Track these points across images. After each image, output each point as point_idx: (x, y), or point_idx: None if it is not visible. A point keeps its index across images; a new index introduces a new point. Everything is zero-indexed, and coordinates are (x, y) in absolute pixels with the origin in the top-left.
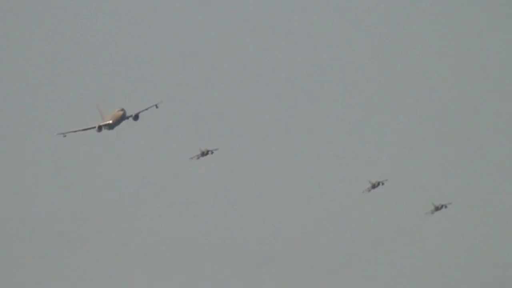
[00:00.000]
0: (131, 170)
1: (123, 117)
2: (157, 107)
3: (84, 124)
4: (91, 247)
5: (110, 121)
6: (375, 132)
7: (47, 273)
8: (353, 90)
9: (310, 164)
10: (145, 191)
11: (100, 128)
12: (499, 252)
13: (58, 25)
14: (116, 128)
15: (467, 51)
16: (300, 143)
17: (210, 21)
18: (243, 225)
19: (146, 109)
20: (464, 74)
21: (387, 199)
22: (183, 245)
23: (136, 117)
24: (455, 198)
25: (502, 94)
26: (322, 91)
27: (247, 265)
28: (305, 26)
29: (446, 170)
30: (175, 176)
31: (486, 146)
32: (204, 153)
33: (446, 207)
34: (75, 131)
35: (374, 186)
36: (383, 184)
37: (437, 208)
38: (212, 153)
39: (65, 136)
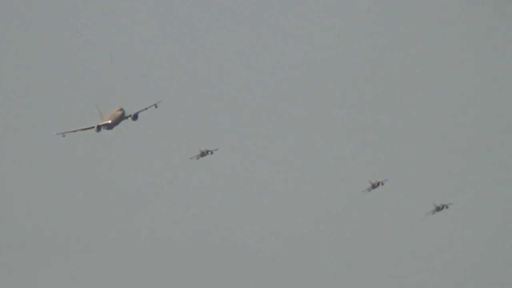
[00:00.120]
0: (130, 170)
1: (122, 117)
2: (156, 107)
3: (83, 124)
4: (90, 247)
5: (109, 121)
6: (375, 132)
7: (47, 273)
8: (353, 90)
9: (310, 164)
10: (145, 191)
11: (99, 128)
12: (501, 253)
13: (57, 25)
14: (115, 128)
15: (467, 51)
16: (300, 143)
17: (210, 21)
18: (243, 225)
19: (145, 109)
20: (465, 73)
21: (387, 199)
22: (183, 245)
23: (135, 117)
24: (456, 198)
25: (503, 93)
26: (322, 91)
27: (247, 265)
28: (305, 26)
29: (447, 170)
30: (174, 176)
31: (487, 146)
32: (203, 153)
33: (447, 207)
34: (74, 131)
35: (374, 186)
36: (382, 184)
37: (438, 209)
38: (211, 153)
39: (64, 136)
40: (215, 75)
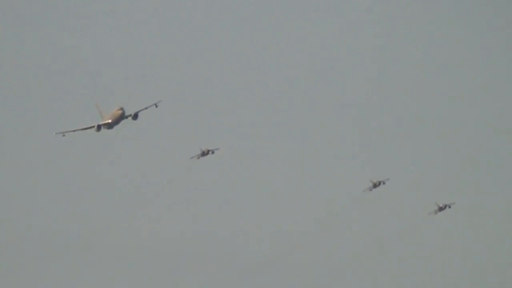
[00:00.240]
0: (130, 170)
1: (122, 116)
2: (156, 106)
3: (83, 123)
4: (90, 246)
5: (109, 120)
6: (376, 131)
7: (46, 273)
8: (353, 89)
9: (310, 164)
10: (145, 191)
11: (99, 127)
12: (504, 252)
13: (57, 25)
14: (116, 127)
15: (467, 50)
16: (300, 142)
17: (210, 20)
18: (243, 224)
19: (146, 108)
20: (466, 71)
21: (389, 198)
22: (183, 245)
23: (135, 116)
24: (459, 198)
25: (504, 91)
26: (323, 90)
27: (247, 265)
28: (305, 25)
29: (449, 170)
30: (175, 175)
31: (490, 145)
32: (204, 153)
33: (449, 207)
34: (74, 131)
35: (375, 185)
36: (384, 183)
37: (440, 208)
38: (212, 153)
39: (64, 135)
40: (216, 74)
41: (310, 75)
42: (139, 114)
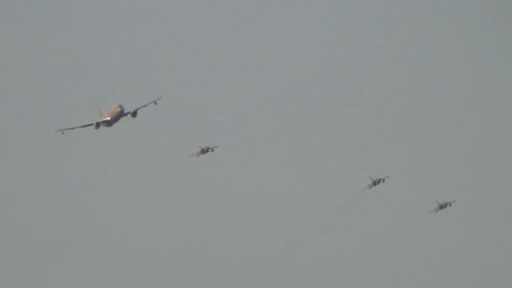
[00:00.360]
0: (129, 167)
1: (121, 114)
2: (155, 103)
3: (82, 121)
4: (89, 245)
5: (108, 118)
6: (376, 130)
7: (46, 272)
8: (354, 87)
9: (310, 161)
10: (144, 188)
11: (98, 125)
12: (504, 251)
13: (57, 23)
14: (115, 125)
15: (468, 50)
16: (300, 139)
17: (210, 17)
18: (243, 222)
19: (145, 106)
20: (467, 69)
21: (390, 197)
22: (182, 244)
23: (134, 114)
24: (459, 196)
25: (505, 91)
26: (322, 89)
27: (247, 265)
28: (305, 25)
29: (449, 167)
30: (174, 173)
31: (491, 143)
32: (204, 151)
33: (450, 205)
34: (73, 128)
35: (375, 183)
36: (384, 181)
37: (441, 206)
38: (212, 150)
39: (62, 133)
40: (215, 71)
41: (310, 74)
42: (138, 111)
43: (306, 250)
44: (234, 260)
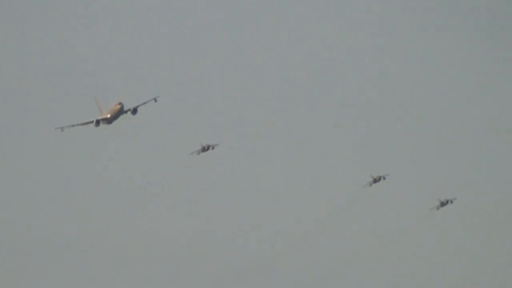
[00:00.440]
0: (129, 165)
1: (121, 111)
2: (155, 101)
3: (82, 118)
4: (88, 244)
5: (108, 115)
6: (376, 130)
7: (45, 272)
8: (353, 88)
9: (310, 161)
10: (144, 186)
11: (98, 122)
12: (505, 247)
13: (57, 20)
14: (114, 122)
15: (468, 49)
16: (300, 139)
17: (210, 14)
18: (243, 222)
19: (145, 103)
20: (467, 67)
21: (391, 194)
22: (181, 244)
23: (134, 111)
24: (461, 193)
25: (505, 91)
26: (322, 86)
27: (247, 265)
28: (305, 25)
29: (450, 165)
30: (174, 171)
31: (491, 139)
32: (204, 149)
33: (451, 202)
34: (73, 126)
35: (375, 180)
36: (384, 178)
37: (442, 204)
38: (213, 148)
39: (62, 130)
40: (216, 69)
41: (310, 74)
42: (138, 109)
43: (306, 250)
44: (234, 260)
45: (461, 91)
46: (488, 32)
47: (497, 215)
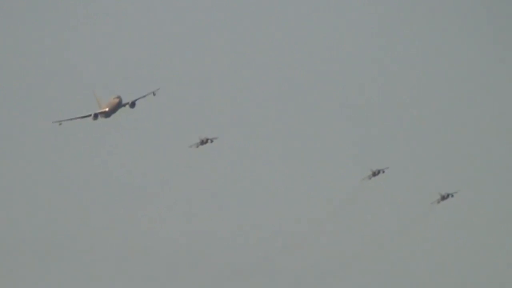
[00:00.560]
0: (127, 159)
1: (119, 105)
2: (154, 94)
3: (81, 112)
4: (87, 242)
5: (106, 109)
6: (376, 129)
7: (45, 272)
8: (353, 88)
9: (310, 160)
10: (142, 181)
11: (96, 116)
12: (506, 242)
13: (55, 15)
14: (113, 116)
15: (468, 49)
16: (300, 139)
17: (209, 9)
18: (243, 222)
19: (143, 97)
20: (467, 65)
21: (391, 188)
22: (181, 243)
23: (132, 105)
24: (461, 187)
25: (505, 90)
26: (322, 86)
27: (247, 265)
28: (305, 25)
29: (451, 158)
30: (173, 164)
31: (492, 133)
32: (203, 142)
33: (452, 196)
34: (71, 119)
35: (374, 174)
36: (383, 172)
37: (443, 197)
38: (211, 141)
39: (60, 124)
40: (215, 62)
41: (310, 74)
42: (137, 102)
43: (306, 250)
44: (234, 260)
45: (461, 91)
46: (488, 32)
47: (498, 209)
